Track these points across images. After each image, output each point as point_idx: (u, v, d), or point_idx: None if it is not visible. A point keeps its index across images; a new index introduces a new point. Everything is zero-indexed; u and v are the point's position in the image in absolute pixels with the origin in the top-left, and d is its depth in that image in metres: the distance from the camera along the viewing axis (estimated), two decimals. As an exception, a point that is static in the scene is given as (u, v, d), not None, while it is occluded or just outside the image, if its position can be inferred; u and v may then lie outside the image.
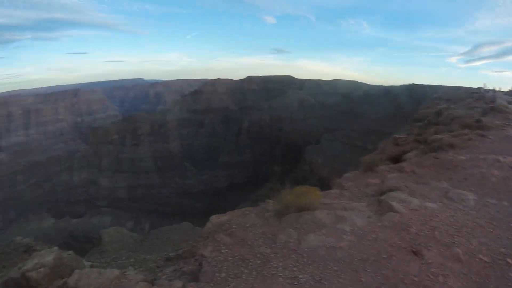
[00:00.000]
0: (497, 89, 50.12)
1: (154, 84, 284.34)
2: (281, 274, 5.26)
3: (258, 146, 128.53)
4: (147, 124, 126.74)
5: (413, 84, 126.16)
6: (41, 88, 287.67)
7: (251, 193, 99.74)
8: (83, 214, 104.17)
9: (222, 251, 5.77)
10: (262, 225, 6.53)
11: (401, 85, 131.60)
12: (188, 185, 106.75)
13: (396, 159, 13.72)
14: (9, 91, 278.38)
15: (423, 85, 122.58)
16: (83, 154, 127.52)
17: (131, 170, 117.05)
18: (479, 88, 57.19)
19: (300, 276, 5.23)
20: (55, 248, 10.20)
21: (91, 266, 10.00)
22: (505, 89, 51.94)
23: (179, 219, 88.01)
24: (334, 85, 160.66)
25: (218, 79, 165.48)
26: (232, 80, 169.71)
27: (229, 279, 5.19)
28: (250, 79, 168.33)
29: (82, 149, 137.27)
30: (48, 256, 9.31)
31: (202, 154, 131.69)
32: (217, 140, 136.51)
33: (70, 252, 11.23)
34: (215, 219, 6.87)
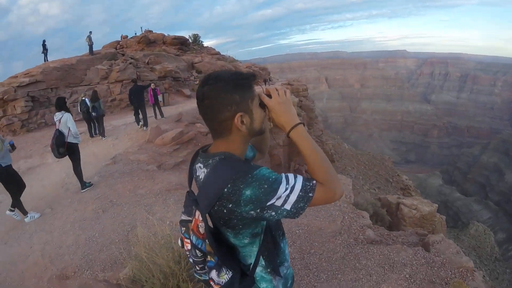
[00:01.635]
0: None
1: None
2: None
3: None
4: None
5: None
6: (483, 55, 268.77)
7: None
8: (469, 194, 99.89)
9: None
10: None
11: None
12: None
13: None
14: (451, 53, 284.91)
15: None
16: (504, 138, 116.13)
17: None
18: None
19: None
20: (436, 205, 11.07)
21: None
22: None
23: None
24: None
25: None
26: None
27: None
28: None
29: (506, 132, 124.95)
30: (426, 206, 10.46)
31: None
32: None
33: (443, 216, 11.88)
34: None
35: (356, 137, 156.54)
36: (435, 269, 4.60)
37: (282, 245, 1.44)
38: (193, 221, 1.26)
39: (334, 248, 5.00)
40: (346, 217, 6.01)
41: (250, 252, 1.31)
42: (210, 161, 1.25)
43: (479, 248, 36.91)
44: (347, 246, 5.08)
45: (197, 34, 37.21)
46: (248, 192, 1.10)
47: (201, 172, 1.29)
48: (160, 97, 14.46)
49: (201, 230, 1.21)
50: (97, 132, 12.21)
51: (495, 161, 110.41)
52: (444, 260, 4.83)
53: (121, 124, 14.27)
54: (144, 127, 12.36)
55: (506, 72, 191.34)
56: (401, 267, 4.54)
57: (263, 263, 1.34)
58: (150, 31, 32.90)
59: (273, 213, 1.15)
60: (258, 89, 1.34)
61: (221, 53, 34.62)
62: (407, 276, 4.36)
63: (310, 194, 1.17)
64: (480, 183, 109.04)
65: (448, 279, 4.41)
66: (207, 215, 1.19)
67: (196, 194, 1.28)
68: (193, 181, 1.41)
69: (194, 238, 1.27)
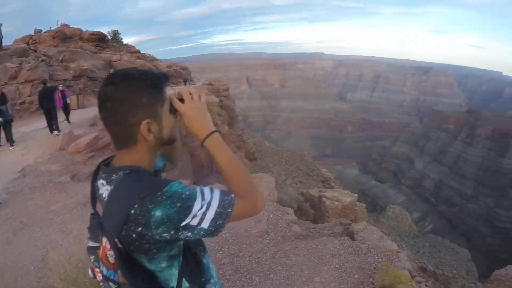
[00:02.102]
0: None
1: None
2: None
3: None
4: (489, 126, 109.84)
5: None
6: (394, 59, 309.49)
7: None
8: (384, 181, 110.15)
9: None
10: None
11: None
12: (498, 214, 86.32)
13: None
14: (365, 56, 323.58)
15: None
16: (413, 131, 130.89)
17: (450, 167, 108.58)
18: None
19: None
20: (355, 195, 11.68)
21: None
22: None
23: (463, 241, 77.30)
24: None
25: None
26: None
27: None
28: None
29: (415, 126, 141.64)
30: (347, 197, 10.99)
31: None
32: None
33: (363, 204, 12.63)
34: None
35: (276, 135, 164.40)
36: (363, 255, 4.76)
37: (205, 261, 1.29)
38: (101, 249, 1.08)
39: (263, 248, 4.93)
40: (272, 215, 6.00)
41: (171, 276, 1.14)
42: (114, 177, 1.08)
43: (398, 228, 40.67)
44: (275, 244, 5.05)
45: (117, 31, 35.33)
46: (158, 213, 0.97)
47: (104, 189, 1.10)
48: (68, 100, 13.28)
49: (111, 259, 1.04)
50: (6, 140, 10.78)
51: (405, 151, 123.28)
52: (370, 246, 5.04)
53: (31, 130, 12.91)
54: (56, 133, 11.28)
55: (414, 73, 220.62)
56: (330, 258, 4.62)
57: (187, 284, 1.19)
58: (67, 25, 30.42)
59: (189, 234, 1.03)
60: (170, 92, 1.17)
61: (141, 52, 33.27)
62: (337, 266, 4.45)
63: (229, 210, 1.07)
64: (392, 171, 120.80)
65: (376, 263, 4.60)
66: (116, 239, 1.01)
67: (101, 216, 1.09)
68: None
69: (104, 269, 1.08)
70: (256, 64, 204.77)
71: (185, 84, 29.20)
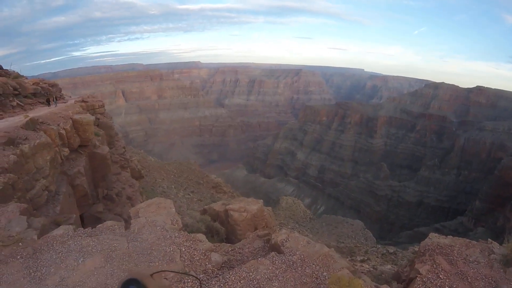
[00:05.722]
0: None
1: (372, 76, 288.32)
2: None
3: (467, 171, 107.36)
4: (357, 114, 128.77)
5: None
6: (267, 64, 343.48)
7: (439, 219, 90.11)
8: (272, 176, 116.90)
9: (440, 276, 5.30)
10: (485, 266, 5.80)
11: None
12: (377, 185, 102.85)
13: None
14: (240, 63, 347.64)
15: None
16: (291, 127, 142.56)
17: (328, 153, 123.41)
18: None
19: None
20: (261, 201, 11.27)
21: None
22: None
23: (353, 213, 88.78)
24: None
25: (442, 83, 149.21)
26: (457, 87, 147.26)
27: (444, 308, 4.83)
28: (479, 90, 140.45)
29: (291, 122, 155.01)
30: (253, 205, 10.44)
31: (402, 159, 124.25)
32: (424, 150, 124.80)
33: (269, 208, 12.34)
34: (435, 238, 6.27)
35: (159, 148, 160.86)
36: (299, 269, 4.19)
37: None
38: None
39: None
40: (184, 249, 4.98)
41: None
42: None
43: (294, 216, 42.99)
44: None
45: (-27, 44, 28.57)
46: None
47: None
48: None
49: None
50: None
51: (286, 146, 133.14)
52: (302, 256, 4.50)
53: None
54: None
55: (286, 76, 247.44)
56: (268, 283, 3.92)
57: None
58: None
59: None
60: None
61: (4, 67, 27.75)
62: (279, 290, 3.79)
63: None
64: (278, 166, 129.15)
65: (316, 273, 4.08)
66: None
67: None
68: None
69: None
70: (131, 76, 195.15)
71: (49, 104, 23.08)
